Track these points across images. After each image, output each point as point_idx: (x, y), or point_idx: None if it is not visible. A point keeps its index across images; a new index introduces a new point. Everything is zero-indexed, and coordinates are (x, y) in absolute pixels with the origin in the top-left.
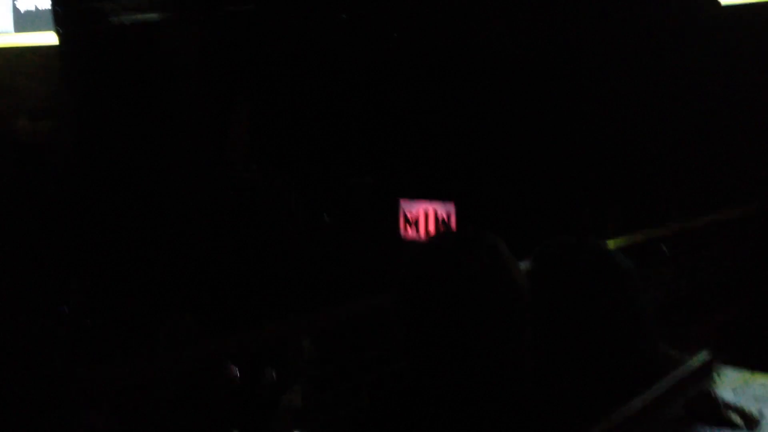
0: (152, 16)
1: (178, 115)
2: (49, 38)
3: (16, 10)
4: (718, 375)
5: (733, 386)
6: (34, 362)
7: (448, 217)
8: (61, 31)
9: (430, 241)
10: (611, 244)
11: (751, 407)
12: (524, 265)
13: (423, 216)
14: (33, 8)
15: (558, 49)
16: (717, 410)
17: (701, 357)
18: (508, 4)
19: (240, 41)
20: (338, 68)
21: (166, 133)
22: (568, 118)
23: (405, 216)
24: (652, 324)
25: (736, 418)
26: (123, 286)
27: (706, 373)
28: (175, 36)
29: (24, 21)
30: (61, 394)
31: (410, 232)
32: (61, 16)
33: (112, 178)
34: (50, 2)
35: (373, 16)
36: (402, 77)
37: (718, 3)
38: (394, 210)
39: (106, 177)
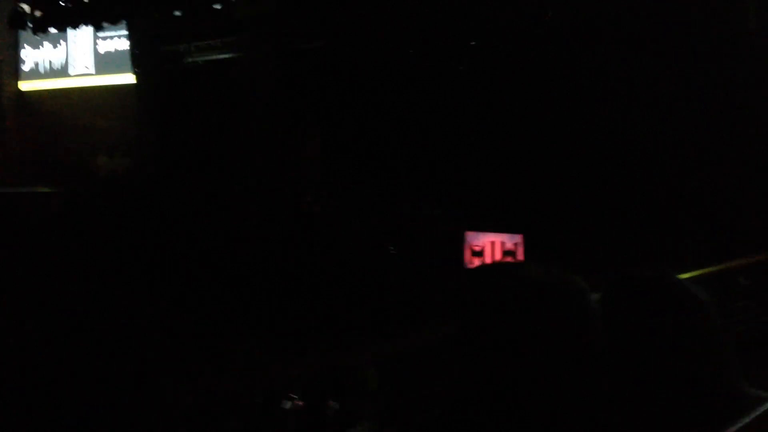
0: (224, 55)
1: (251, 150)
2: (127, 79)
3: (96, 52)
4: None
5: None
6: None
7: (516, 248)
8: (138, 72)
9: (508, 271)
10: (688, 276)
11: None
12: (596, 296)
13: (489, 247)
14: (113, 50)
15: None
16: None
17: None
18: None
19: (310, 76)
20: (409, 101)
21: (239, 166)
22: (638, 150)
23: (471, 247)
24: (733, 360)
25: None
26: (196, 310)
27: None
28: (245, 74)
29: (104, 62)
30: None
31: (476, 263)
32: (138, 57)
33: (188, 209)
34: (128, 44)
35: (438, 51)
36: (470, 110)
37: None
38: (461, 242)
39: (183, 208)
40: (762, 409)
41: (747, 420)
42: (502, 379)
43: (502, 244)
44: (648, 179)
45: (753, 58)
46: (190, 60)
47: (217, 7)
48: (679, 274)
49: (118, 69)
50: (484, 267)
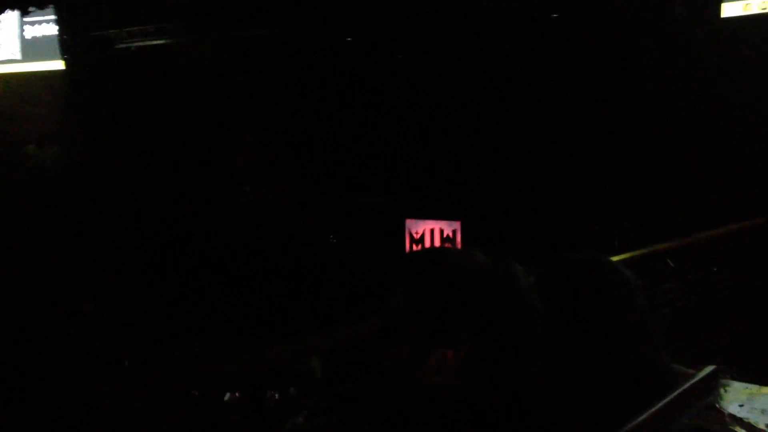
0: (158, 42)
1: (185, 137)
2: (55, 65)
3: (22, 38)
4: (725, 389)
5: (740, 400)
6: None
7: (454, 234)
8: (67, 58)
9: (446, 257)
10: (618, 258)
11: (759, 421)
12: (532, 279)
13: (429, 234)
14: (40, 36)
15: (567, 60)
16: (723, 425)
17: (707, 371)
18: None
19: (247, 64)
20: (348, 90)
21: (172, 154)
22: (573, 138)
23: (411, 235)
24: (658, 338)
25: None
26: (136, 307)
27: (712, 387)
28: (180, 60)
29: (31, 48)
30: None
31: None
32: (67, 43)
33: (120, 198)
34: (57, 30)
35: (378, 39)
36: (409, 99)
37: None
38: (401, 229)
39: (115, 197)
40: (687, 384)
41: (672, 395)
42: (443, 365)
43: (441, 231)
44: (580, 169)
45: (680, 46)
46: (121, 46)
47: None
48: (610, 257)
49: (46, 55)
50: (425, 252)
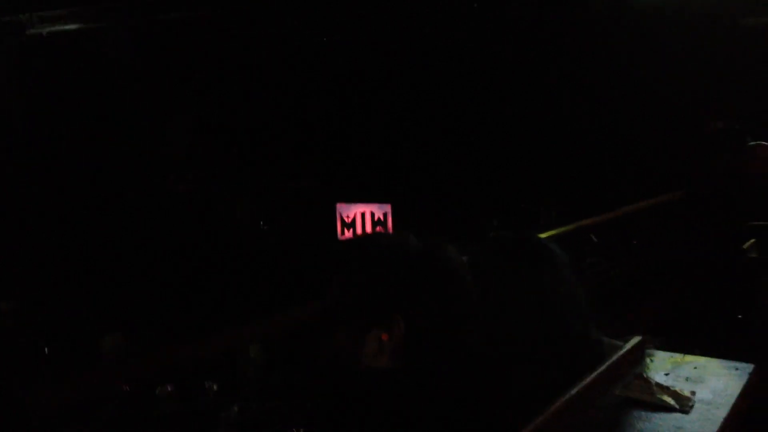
0: (71, 27)
1: (103, 127)
2: None
3: None
4: (651, 359)
5: (665, 369)
6: None
7: (385, 217)
8: None
9: (380, 241)
10: (546, 234)
11: (684, 388)
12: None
13: (360, 218)
14: None
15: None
16: (651, 393)
17: (634, 342)
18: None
19: (171, 49)
20: (275, 74)
21: (89, 145)
22: (498, 115)
23: (342, 219)
24: (588, 312)
25: (670, 400)
26: (55, 300)
27: (638, 357)
28: (97, 45)
29: None
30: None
31: (347, 235)
32: None
33: (35, 191)
34: None
35: (306, 22)
36: (337, 79)
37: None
38: (332, 213)
39: (29, 190)
40: (616, 356)
41: (603, 367)
42: (380, 348)
43: (372, 214)
44: (511, 145)
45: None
46: (32, 32)
47: None
48: (538, 233)
49: None
50: (358, 239)
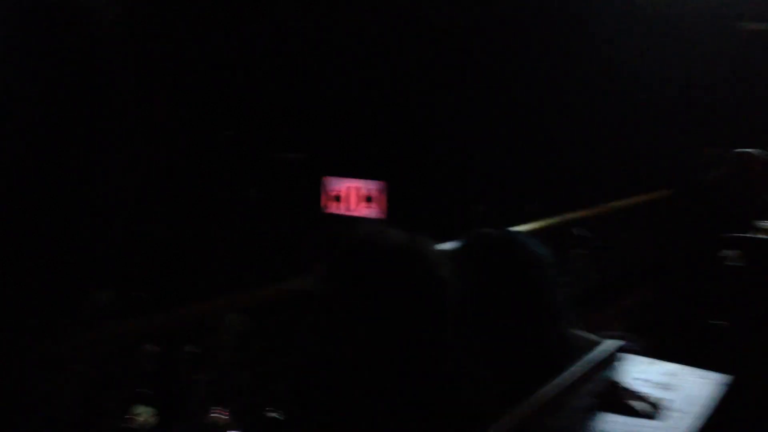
0: None
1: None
2: None
3: None
4: (624, 362)
5: (637, 374)
6: None
7: (377, 195)
8: None
9: (364, 236)
10: (530, 227)
11: (654, 394)
12: (450, 247)
13: (345, 192)
14: None
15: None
16: (621, 398)
17: (607, 344)
18: None
19: (153, 24)
20: (266, 46)
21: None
22: (491, 107)
23: (327, 192)
24: (567, 312)
25: (639, 405)
26: (42, 261)
27: (611, 360)
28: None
29: None
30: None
31: (332, 208)
32: None
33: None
34: None
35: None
36: (331, 59)
37: None
38: (319, 186)
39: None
40: (590, 357)
41: (576, 368)
42: (362, 341)
43: (359, 189)
44: (500, 136)
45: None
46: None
47: None
48: (523, 223)
49: None
50: (344, 231)
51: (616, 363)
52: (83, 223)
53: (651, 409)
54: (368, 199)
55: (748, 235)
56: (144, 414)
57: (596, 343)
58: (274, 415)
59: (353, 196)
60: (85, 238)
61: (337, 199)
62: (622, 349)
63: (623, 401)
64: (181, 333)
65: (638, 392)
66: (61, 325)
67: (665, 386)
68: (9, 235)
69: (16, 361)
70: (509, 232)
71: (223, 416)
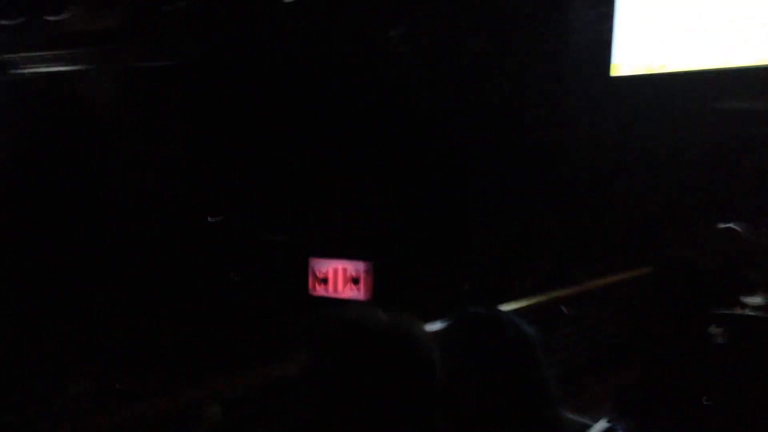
0: (56, 69)
1: (87, 163)
2: None
3: None
4: None
5: None
6: None
7: (359, 275)
8: None
9: (352, 318)
10: (517, 306)
11: None
12: (437, 326)
13: (332, 274)
14: None
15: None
16: None
17: (599, 427)
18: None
19: (148, 92)
20: (250, 123)
21: (70, 186)
22: (476, 180)
23: (315, 274)
24: (556, 392)
25: None
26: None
27: None
28: (79, 86)
29: None
30: None
31: (320, 290)
32: None
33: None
34: None
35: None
36: (314, 132)
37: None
38: (305, 268)
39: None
40: None
41: None
42: (353, 422)
43: (346, 271)
44: (485, 213)
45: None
46: (15, 71)
47: (51, 18)
48: (511, 301)
49: None
50: (331, 313)
51: None
52: (64, 313)
53: None
54: (355, 281)
55: (735, 312)
56: None
57: (586, 426)
58: None
59: (340, 278)
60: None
61: (324, 281)
62: (613, 430)
63: None
64: (163, 424)
65: None
66: (39, 419)
67: None
68: None
69: None
70: (496, 311)
71: None
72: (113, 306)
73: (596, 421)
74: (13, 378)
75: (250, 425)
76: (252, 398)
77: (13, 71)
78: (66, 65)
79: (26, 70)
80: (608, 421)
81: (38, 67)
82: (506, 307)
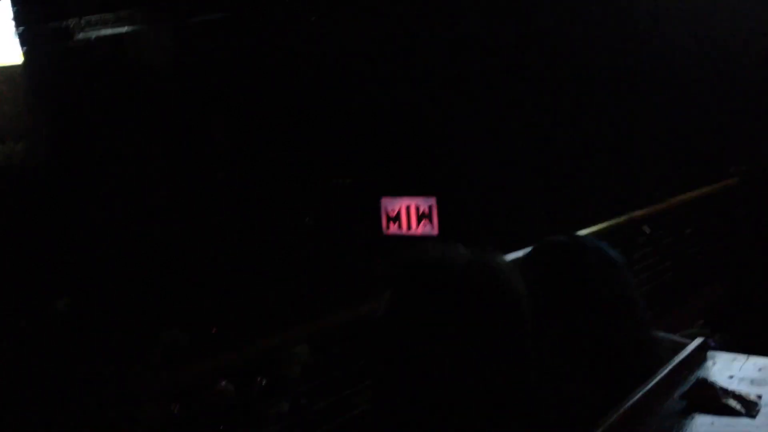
0: (118, 30)
1: (150, 126)
2: (13, 58)
3: None
4: (713, 361)
5: (729, 371)
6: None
7: (430, 211)
8: (25, 50)
9: (433, 255)
10: (597, 228)
11: (749, 392)
12: (514, 257)
13: (405, 212)
14: None
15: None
16: (715, 398)
17: (695, 344)
18: None
19: (212, 49)
20: (315, 70)
21: (139, 144)
22: (543, 114)
23: (387, 213)
24: (644, 314)
25: (736, 404)
26: (115, 299)
27: (700, 359)
28: (143, 48)
29: None
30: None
31: (393, 229)
32: (24, 34)
33: (88, 194)
34: (12, 21)
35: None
36: (378, 80)
37: None
38: (376, 208)
39: (83, 194)
40: (677, 360)
41: (663, 372)
42: (444, 361)
43: (417, 207)
44: (559, 143)
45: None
46: (81, 36)
47: None
48: (589, 225)
49: (2, 48)
50: (413, 251)
51: (705, 362)
52: (152, 267)
53: (749, 408)
54: (423, 215)
55: None
56: None
57: (681, 344)
58: None
59: (413, 214)
60: (153, 281)
61: (396, 219)
62: (709, 347)
63: (717, 401)
64: (253, 368)
65: (733, 390)
66: (135, 369)
67: (760, 382)
68: (87, 281)
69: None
70: (578, 236)
71: None
72: (199, 258)
73: (688, 338)
74: (107, 329)
75: (336, 364)
76: (338, 338)
77: (78, 36)
78: (129, 25)
79: (90, 34)
80: (703, 335)
81: (101, 30)
82: (584, 232)
